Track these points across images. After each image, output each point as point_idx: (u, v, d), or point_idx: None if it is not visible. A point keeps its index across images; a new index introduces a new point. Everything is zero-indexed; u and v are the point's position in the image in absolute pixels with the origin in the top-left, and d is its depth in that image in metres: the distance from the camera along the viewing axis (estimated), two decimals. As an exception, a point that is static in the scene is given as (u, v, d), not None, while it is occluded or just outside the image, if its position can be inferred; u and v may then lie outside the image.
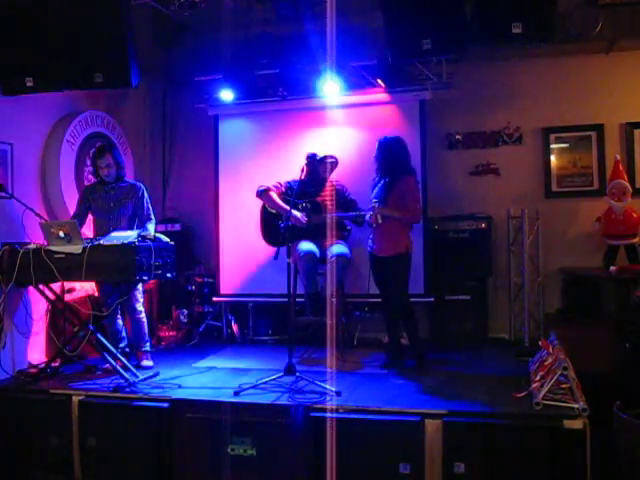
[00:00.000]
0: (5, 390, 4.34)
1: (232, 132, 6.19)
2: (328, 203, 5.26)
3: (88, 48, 4.25)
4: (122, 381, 4.26)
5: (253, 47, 5.70)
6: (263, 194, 5.33)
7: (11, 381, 4.48)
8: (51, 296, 4.62)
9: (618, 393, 3.95)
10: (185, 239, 6.50)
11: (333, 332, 5.34)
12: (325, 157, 5.27)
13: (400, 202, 4.64)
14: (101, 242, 4.30)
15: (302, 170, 4.88)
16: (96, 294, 4.98)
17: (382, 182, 4.77)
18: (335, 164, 5.38)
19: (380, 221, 4.63)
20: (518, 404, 3.67)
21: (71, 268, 4.18)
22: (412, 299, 4.93)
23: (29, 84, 4.41)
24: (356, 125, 5.86)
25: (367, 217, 4.75)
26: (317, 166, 5.24)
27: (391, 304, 4.73)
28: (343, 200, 5.33)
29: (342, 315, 5.33)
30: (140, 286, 4.84)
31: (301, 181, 4.83)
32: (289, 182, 5.34)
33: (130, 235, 4.32)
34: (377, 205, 4.63)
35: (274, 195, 5.29)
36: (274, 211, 5.28)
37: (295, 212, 4.93)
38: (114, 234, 4.47)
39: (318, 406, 3.73)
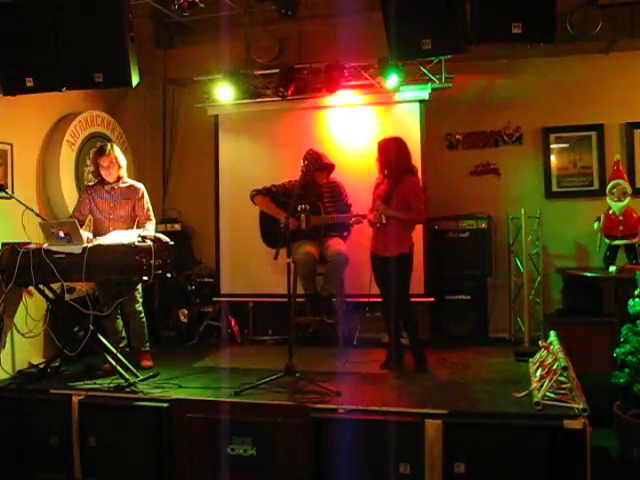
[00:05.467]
0: (5, 390, 4.34)
1: (232, 132, 6.19)
2: (327, 204, 5.26)
3: (88, 48, 4.25)
4: (122, 381, 4.26)
5: (253, 47, 5.71)
6: (255, 198, 5.33)
7: (11, 381, 4.48)
8: (51, 296, 4.61)
9: (618, 393, 3.95)
10: (185, 239, 6.50)
11: (333, 332, 5.36)
12: (322, 165, 5.21)
13: (403, 202, 4.64)
14: (101, 242, 4.30)
15: (302, 171, 4.88)
16: (96, 294, 4.97)
17: (385, 183, 4.77)
18: (332, 170, 5.37)
19: (384, 221, 4.63)
20: (518, 404, 3.67)
21: (71, 268, 4.19)
22: (412, 299, 4.93)
23: (29, 84, 4.40)
24: (356, 125, 5.86)
25: (371, 217, 4.73)
26: (313, 173, 5.18)
27: (392, 304, 4.73)
28: (340, 200, 5.33)
29: (342, 315, 5.33)
30: (140, 286, 4.84)
31: (300, 183, 4.81)
32: (285, 184, 5.33)
33: (130, 235, 4.32)
34: (381, 205, 4.63)
35: (267, 199, 5.29)
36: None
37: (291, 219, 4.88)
38: (114, 234, 4.47)
39: (318, 406, 3.73)
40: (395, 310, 4.73)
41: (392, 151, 4.73)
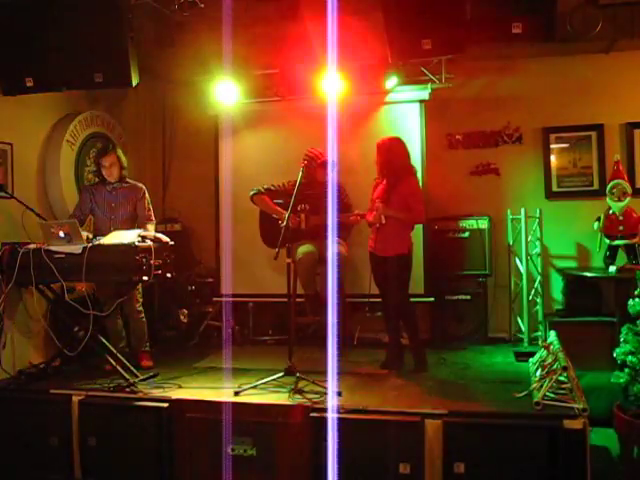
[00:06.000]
0: (5, 390, 4.34)
1: (232, 132, 6.18)
2: (327, 204, 5.26)
3: (88, 48, 4.26)
4: (122, 381, 4.26)
5: (253, 47, 5.70)
6: (255, 197, 5.34)
7: (11, 381, 4.48)
8: (51, 296, 4.61)
9: (618, 393, 3.95)
10: (185, 239, 6.50)
11: (333, 332, 5.34)
12: (324, 162, 5.24)
13: (403, 203, 4.65)
14: (101, 242, 4.30)
15: (302, 169, 4.89)
16: (96, 294, 4.98)
17: (383, 183, 4.77)
18: (333, 168, 5.38)
19: (384, 221, 4.62)
20: (518, 404, 3.67)
21: (71, 268, 4.18)
22: (412, 299, 4.92)
23: (29, 84, 4.41)
24: (356, 125, 5.86)
25: (370, 217, 4.73)
26: (315, 170, 5.20)
27: (392, 304, 4.73)
28: (340, 200, 5.33)
29: (342, 315, 5.32)
30: (140, 286, 4.84)
31: (300, 182, 4.82)
32: (284, 184, 5.34)
33: (130, 235, 4.32)
34: (381, 205, 4.63)
35: (267, 199, 5.30)
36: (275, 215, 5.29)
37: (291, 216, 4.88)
38: (114, 234, 4.47)
39: (318, 406, 3.73)
40: (395, 310, 4.73)
41: (391, 151, 4.73)
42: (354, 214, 5.05)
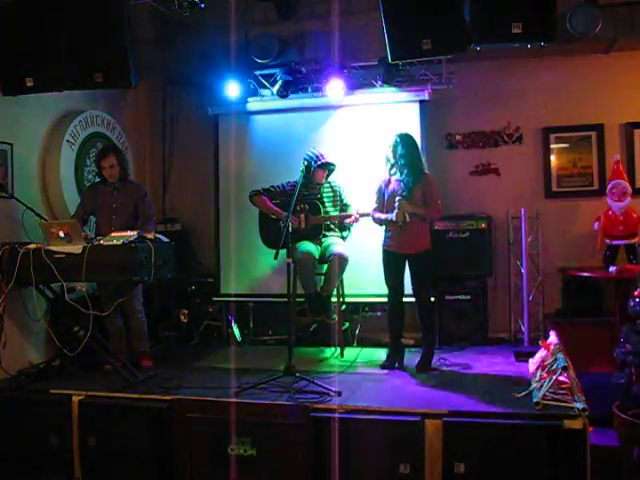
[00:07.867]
0: (5, 390, 4.34)
1: (232, 132, 6.19)
2: (326, 204, 5.27)
3: (88, 48, 4.26)
4: (122, 381, 4.26)
5: (253, 47, 5.71)
6: (254, 198, 5.35)
7: (11, 381, 4.48)
8: (51, 296, 4.61)
9: (618, 393, 3.95)
10: (185, 239, 6.49)
11: (333, 332, 5.35)
12: (324, 164, 5.24)
13: (423, 200, 4.64)
14: (101, 242, 4.30)
15: (302, 170, 4.89)
16: (96, 294, 4.97)
17: (401, 180, 4.68)
18: (333, 170, 5.39)
19: (409, 219, 4.59)
20: (518, 404, 3.67)
21: (71, 268, 4.18)
22: (411, 299, 4.91)
23: (29, 84, 4.41)
24: (356, 125, 5.86)
25: (393, 216, 4.62)
26: (314, 170, 5.21)
27: (418, 300, 4.72)
28: (340, 200, 5.34)
29: (342, 314, 5.33)
30: (140, 286, 4.84)
31: (299, 183, 4.83)
32: (284, 184, 5.35)
33: (130, 235, 4.32)
34: (405, 203, 4.57)
35: (266, 199, 5.32)
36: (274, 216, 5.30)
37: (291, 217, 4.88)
38: (114, 234, 4.47)
39: (318, 406, 3.73)
40: (421, 306, 4.71)
41: (413, 146, 4.73)
42: (353, 214, 5.06)
